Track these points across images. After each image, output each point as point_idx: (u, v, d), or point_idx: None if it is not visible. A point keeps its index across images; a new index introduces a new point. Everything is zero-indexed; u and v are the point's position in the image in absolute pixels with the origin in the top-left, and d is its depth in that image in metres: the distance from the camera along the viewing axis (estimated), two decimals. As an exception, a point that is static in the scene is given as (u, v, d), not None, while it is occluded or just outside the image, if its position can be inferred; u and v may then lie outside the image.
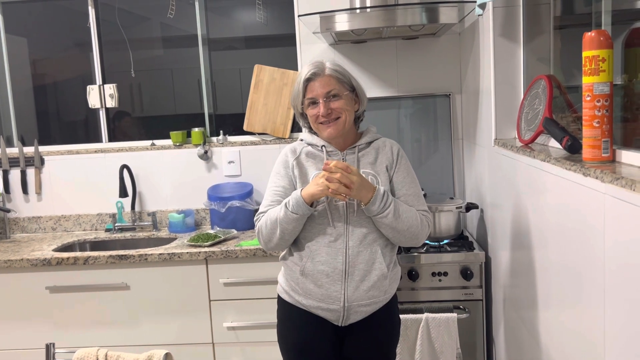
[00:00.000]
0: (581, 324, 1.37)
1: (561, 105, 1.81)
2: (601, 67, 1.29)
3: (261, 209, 1.88)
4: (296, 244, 1.85)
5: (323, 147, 1.87)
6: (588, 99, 1.32)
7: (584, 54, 1.32)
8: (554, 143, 1.74)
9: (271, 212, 1.81)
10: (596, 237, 1.25)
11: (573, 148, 1.51)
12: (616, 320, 1.17)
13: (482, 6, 1.92)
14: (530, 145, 1.86)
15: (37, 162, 3.09)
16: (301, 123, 1.95)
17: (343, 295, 1.77)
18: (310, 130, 1.93)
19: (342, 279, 1.77)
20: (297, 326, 1.87)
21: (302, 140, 1.95)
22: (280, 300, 1.94)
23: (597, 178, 1.22)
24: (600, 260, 1.23)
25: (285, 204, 1.76)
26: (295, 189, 1.84)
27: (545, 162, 1.56)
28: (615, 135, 1.40)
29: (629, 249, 1.10)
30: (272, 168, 1.94)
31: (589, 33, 1.31)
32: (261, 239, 1.86)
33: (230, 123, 3.14)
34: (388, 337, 1.90)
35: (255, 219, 1.90)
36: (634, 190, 1.05)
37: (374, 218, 1.77)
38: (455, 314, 2.28)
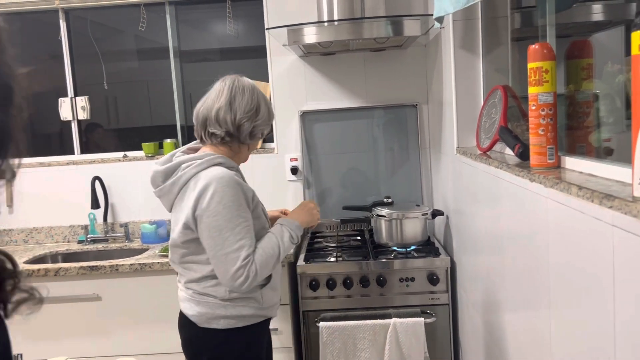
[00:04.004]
0: (532, 325, 1.43)
1: (516, 114, 1.88)
2: (545, 77, 1.36)
3: (246, 251, 1.70)
4: None
5: (238, 169, 1.88)
6: (533, 108, 1.39)
7: (529, 65, 1.39)
8: (509, 151, 1.81)
9: (267, 249, 1.75)
10: (542, 241, 1.31)
11: (524, 155, 1.58)
12: (560, 319, 1.23)
13: (440, 20, 1.99)
14: (488, 153, 1.93)
15: (8, 174, 3.08)
16: (242, 138, 1.83)
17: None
18: (219, 146, 1.84)
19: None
20: (263, 341, 1.95)
21: (220, 164, 1.78)
22: (245, 329, 1.84)
23: (540, 183, 1.28)
24: (545, 262, 1.29)
25: (290, 235, 1.84)
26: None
27: (498, 169, 1.63)
28: (561, 142, 1.47)
29: (568, 250, 1.16)
30: (223, 199, 1.69)
31: (533, 45, 1.38)
32: (255, 280, 1.72)
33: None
34: None
35: (243, 263, 1.68)
36: (570, 193, 1.11)
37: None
38: (422, 319, 2.33)
